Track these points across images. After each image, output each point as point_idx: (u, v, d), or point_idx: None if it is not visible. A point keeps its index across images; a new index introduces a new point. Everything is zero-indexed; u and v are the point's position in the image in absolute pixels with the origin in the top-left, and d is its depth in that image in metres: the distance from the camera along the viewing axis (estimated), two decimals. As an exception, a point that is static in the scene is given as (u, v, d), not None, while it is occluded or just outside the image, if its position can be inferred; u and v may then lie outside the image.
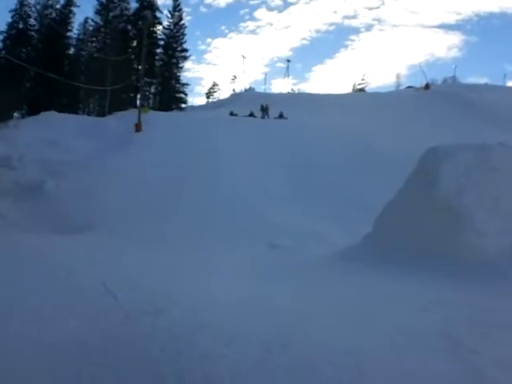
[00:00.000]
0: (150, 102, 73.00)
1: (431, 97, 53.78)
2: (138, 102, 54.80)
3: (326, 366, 5.02)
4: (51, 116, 39.23)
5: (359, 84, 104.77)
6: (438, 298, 8.01)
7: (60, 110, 44.18)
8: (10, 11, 65.52)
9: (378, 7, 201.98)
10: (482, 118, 43.63)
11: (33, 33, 66.65)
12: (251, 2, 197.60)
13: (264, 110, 45.16)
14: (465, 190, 11.18)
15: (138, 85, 55.15)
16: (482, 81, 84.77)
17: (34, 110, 49.64)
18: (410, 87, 74.55)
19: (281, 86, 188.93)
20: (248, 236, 19.24)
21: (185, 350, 5.44)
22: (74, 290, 7.72)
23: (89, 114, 63.22)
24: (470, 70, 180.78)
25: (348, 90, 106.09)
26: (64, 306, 6.81)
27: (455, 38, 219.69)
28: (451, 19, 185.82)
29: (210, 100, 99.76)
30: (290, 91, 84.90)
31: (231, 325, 6.35)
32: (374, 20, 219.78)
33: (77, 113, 58.22)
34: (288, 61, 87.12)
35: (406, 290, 8.75)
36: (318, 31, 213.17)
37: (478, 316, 6.91)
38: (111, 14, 70.69)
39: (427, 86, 62.70)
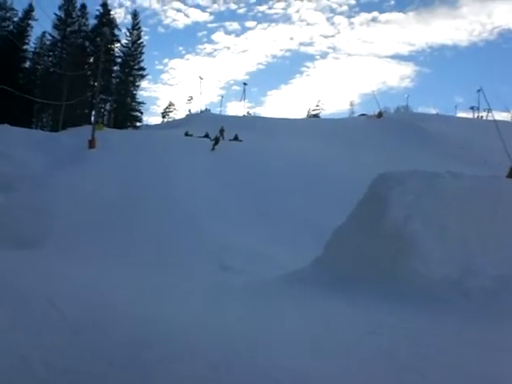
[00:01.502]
0: (105, 119, 72.53)
1: (384, 124, 54.72)
2: (92, 118, 54.43)
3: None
4: (4, 129, 38.64)
5: (313, 110, 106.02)
6: (384, 321, 8.19)
7: (13, 124, 43.51)
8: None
9: (333, 35, 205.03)
10: (432, 146, 44.57)
11: (-12, 44, 65.73)
12: (209, 25, 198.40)
13: (220, 132, 45.16)
14: (413, 216, 11.45)
15: (94, 101, 54.91)
16: (434, 111, 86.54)
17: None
18: (363, 115, 75.64)
19: (236, 108, 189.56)
20: (199, 257, 19.18)
21: (130, 365, 5.44)
22: (19, 304, 7.57)
23: (42, 129, 62.43)
24: (422, 99, 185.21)
25: (303, 115, 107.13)
26: (7, 320, 6.68)
27: (408, 69, 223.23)
28: (405, 50, 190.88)
29: (166, 120, 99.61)
30: (246, 114, 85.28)
31: (177, 343, 6.37)
32: (329, 48, 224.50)
33: (30, 127, 57.41)
34: (245, 84, 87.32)
35: (353, 312, 8.90)
36: (274, 56, 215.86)
37: (420, 339, 7.09)
38: (69, 29, 70.39)
39: (380, 114, 63.71)
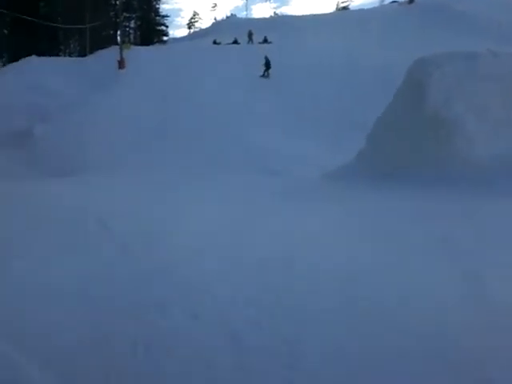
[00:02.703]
0: (131, 37, 71.72)
1: (417, 10, 52.74)
2: (118, 38, 53.81)
3: (328, 279, 5.10)
4: (32, 61, 38.41)
5: (342, 2, 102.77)
6: (434, 207, 8.10)
7: (40, 54, 43.18)
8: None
9: None
10: (470, 29, 42.94)
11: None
12: None
13: (249, 35, 44.29)
14: (453, 99, 11.15)
15: (117, 21, 53.92)
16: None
17: (14, 57, 48.65)
18: (394, 2, 72.75)
19: (262, 11, 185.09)
20: (242, 162, 19.23)
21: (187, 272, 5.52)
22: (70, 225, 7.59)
23: (70, 55, 62.11)
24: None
25: (331, 9, 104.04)
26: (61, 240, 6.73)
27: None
28: None
29: (192, 30, 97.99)
30: (273, 15, 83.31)
31: (233, 248, 6.40)
32: None
33: (58, 55, 57.13)
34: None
35: (400, 201, 8.85)
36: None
37: (471, 220, 6.99)
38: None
39: (411, 1, 61.45)
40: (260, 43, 43.05)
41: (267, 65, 33.01)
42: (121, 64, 35.44)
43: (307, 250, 6.19)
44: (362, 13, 59.74)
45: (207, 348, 3.98)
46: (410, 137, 11.44)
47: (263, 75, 32.94)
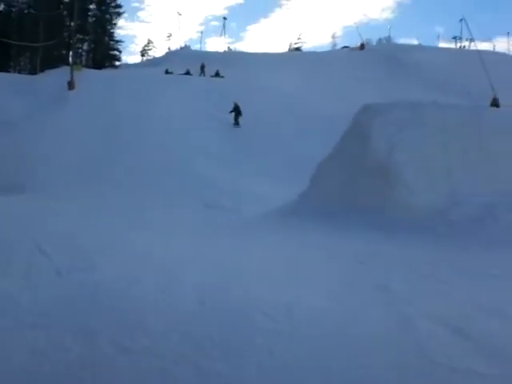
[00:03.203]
0: (83, 59, 71.15)
1: (366, 56, 54.12)
2: (70, 59, 53.35)
3: (261, 316, 5.12)
4: (-18, 74, 37.90)
5: (295, 43, 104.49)
6: (373, 251, 8.25)
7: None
8: None
9: None
10: (415, 77, 44.32)
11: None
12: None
13: (201, 68, 44.56)
14: (397, 147, 11.47)
15: (71, 42, 53.53)
16: (415, 42, 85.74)
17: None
18: (345, 47, 74.64)
19: (216, 44, 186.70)
20: (185, 196, 19.20)
21: (117, 303, 5.46)
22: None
23: (20, 72, 61.23)
24: (404, 31, 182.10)
25: (284, 49, 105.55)
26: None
27: (389, 0, 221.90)
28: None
29: (145, 58, 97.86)
30: (226, 50, 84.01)
31: (165, 278, 6.40)
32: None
33: (8, 71, 56.26)
34: (224, 18, 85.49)
35: (343, 243, 8.97)
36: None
37: (409, 269, 7.17)
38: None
39: (362, 46, 63.01)
40: (212, 76, 43.35)
41: (237, 111, 30.64)
42: (70, 85, 35.20)
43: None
44: (314, 55, 60.78)
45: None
46: (353, 181, 11.69)
47: (235, 123, 30.23)
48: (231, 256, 7.86)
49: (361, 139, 12.08)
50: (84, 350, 4.37)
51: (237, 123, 30.37)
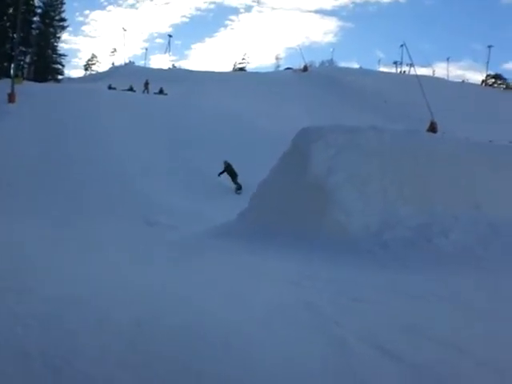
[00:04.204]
0: (25, 71, 69.94)
1: (309, 78, 55.02)
2: (12, 71, 52.37)
3: (197, 340, 5.10)
4: None
5: (239, 63, 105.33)
6: (308, 272, 8.31)
7: None
8: None
9: None
10: (356, 100, 45.23)
11: None
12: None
13: (145, 85, 44.47)
14: (335, 170, 11.64)
15: (13, 54, 52.61)
16: (357, 65, 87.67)
17: None
18: (288, 69, 75.68)
19: (160, 61, 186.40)
20: (125, 212, 19.01)
21: (51, 327, 5.35)
22: None
23: (-42, 83, 59.83)
24: (345, 54, 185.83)
25: (228, 68, 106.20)
26: None
27: (331, 24, 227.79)
28: (328, 5, 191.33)
29: (88, 72, 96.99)
30: (171, 67, 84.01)
31: (103, 299, 6.31)
32: (253, 1, 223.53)
33: None
34: (169, 36, 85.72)
35: (278, 265, 9.00)
36: (198, 9, 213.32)
37: (342, 290, 7.24)
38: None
39: (305, 68, 64.11)
40: (155, 93, 43.30)
41: (230, 172, 25.21)
42: (11, 98, 34.51)
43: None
44: (258, 76, 61.39)
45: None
46: (290, 202, 11.78)
47: (237, 187, 24.81)
48: (157, 280, 7.77)
49: (299, 161, 12.22)
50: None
51: (238, 187, 24.78)
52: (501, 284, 7.85)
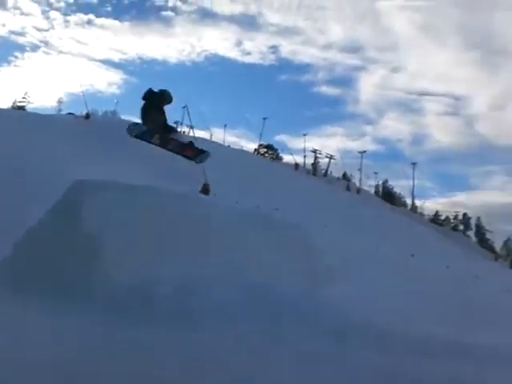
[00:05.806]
0: None
1: (91, 126, 54.60)
2: None
3: None
4: None
5: (20, 102, 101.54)
6: (65, 331, 8.31)
7: None
8: None
9: (47, 30, 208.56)
10: (136, 155, 45.40)
11: None
12: None
13: None
14: (105, 227, 11.82)
15: None
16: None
17: None
18: (70, 114, 74.23)
19: None
20: None
21: None
22: None
23: None
24: (129, 107, 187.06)
25: (7, 105, 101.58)
26: None
27: (117, 76, 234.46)
28: (116, 57, 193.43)
29: None
30: None
31: None
32: (41, 42, 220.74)
33: None
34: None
35: (37, 320, 8.87)
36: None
37: (96, 348, 7.37)
38: None
39: (87, 116, 63.79)
40: None
41: None
42: None
43: None
44: (38, 117, 59.46)
45: None
46: (59, 254, 11.67)
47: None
48: None
49: (71, 214, 12.23)
50: None
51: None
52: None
